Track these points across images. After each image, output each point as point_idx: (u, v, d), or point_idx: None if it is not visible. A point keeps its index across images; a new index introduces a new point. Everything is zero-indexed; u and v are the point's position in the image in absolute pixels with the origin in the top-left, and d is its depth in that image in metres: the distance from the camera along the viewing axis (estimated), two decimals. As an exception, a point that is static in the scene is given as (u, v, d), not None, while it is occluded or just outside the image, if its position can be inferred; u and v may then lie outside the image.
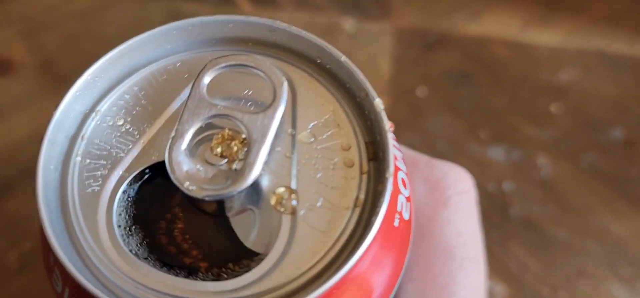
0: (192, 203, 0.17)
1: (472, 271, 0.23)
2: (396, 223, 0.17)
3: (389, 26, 0.54)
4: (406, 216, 0.18)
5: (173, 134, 0.16)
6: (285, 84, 0.17)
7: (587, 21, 0.56)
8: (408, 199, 0.18)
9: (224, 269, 0.16)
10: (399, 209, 0.17)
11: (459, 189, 0.25)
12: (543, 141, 0.47)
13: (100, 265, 0.15)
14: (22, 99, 0.45)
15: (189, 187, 0.16)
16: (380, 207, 0.15)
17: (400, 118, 0.48)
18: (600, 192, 0.44)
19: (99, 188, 0.17)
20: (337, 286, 0.15)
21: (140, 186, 0.17)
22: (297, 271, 0.15)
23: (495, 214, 0.43)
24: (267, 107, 0.17)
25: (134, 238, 0.17)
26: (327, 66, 0.18)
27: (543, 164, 0.46)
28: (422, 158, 0.26)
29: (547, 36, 0.55)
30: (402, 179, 0.18)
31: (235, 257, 0.17)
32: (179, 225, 0.17)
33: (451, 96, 0.50)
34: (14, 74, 0.46)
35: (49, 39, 0.46)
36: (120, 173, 0.17)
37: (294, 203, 0.16)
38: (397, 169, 0.18)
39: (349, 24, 0.54)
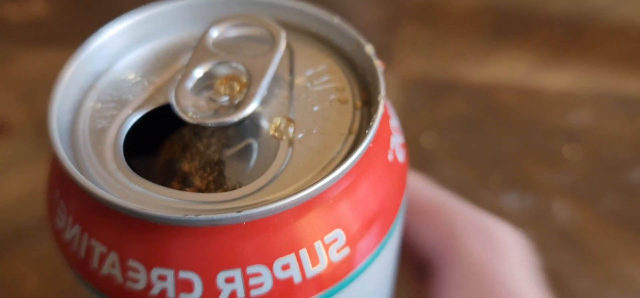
0: (194, 142, 0.20)
1: None
2: (390, 157, 0.20)
3: (394, 75, 0.58)
4: (401, 159, 0.21)
5: (179, 77, 0.20)
6: (284, 34, 0.21)
7: (596, 62, 0.60)
8: (403, 146, 0.21)
9: (224, 187, 0.19)
10: (392, 146, 0.20)
11: (515, 252, 0.25)
12: (558, 187, 0.48)
13: (106, 184, 0.18)
14: (18, 161, 0.48)
15: (192, 115, 0.19)
16: (371, 127, 0.18)
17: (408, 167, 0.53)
18: (622, 238, 0.45)
19: (107, 124, 0.20)
20: (318, 200, 0.17)
21: (146, 124, 0.20)
22: (292, 185, 0.18)
23: (510, 263, 0.46)
24: (266, 52, 0.20)
25: (140, 167, 0.19)
26: (321, 33, 0.22)
27: (559, 211, 0.49)
28: (469, 209, 0.26)
29: (555, 79, 0.58)
30: (395, 128, 0.21)
31: (234, 181, 0.19)
32: (183, 158, 0.20)
33: (459, 143, 0.53)
34: (12, 136, 0.51)
35: (48, 102, 0.51)
36: (129, 112, 0.20)
37: (291, 130, 0.19)
38: (388, 116, 0.21)
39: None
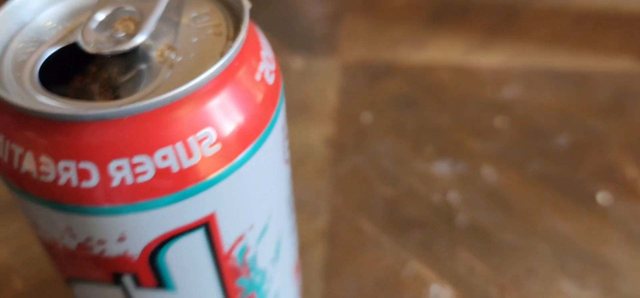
0: (99, 72, 0.25)
1: None
2: (257, 77, 0.25)
3: (336, 62, 0.62)
4: (270, 81, 0.26)
5: (85, 21, 0.25)
6: None
7: (529, 42, 0.64)
8: (275, 73, 0.26)
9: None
10: (261, 69, 0.25)
11: None
12: (487, 153, 0.52)
13: (21, 99, 0.23)
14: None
15: (93, 47, 0.24)
16: (234, 44, 0.23)
17: (347, 142, 0.55)
18: (546, 196, 0.49)
19: (27, 57, 0.25)
20: (188, 100, 0.22)
21: (59, 59, 0.25)
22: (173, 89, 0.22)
23: (441, 223, 0.48)
24: None
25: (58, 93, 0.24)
26: None
27: (488, 174, 0.53)
28: None
29: (490, 58, 0.62)
30: (268, 57, 0.26)
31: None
32: (89, 84, 0.26)
33: (395, 119, 0.57)
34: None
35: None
36: (44, 48, 0.25)
37: (172, 55, 0.24)
38: (260, 47, 0.26)
39: (297, 62, 0.64)
